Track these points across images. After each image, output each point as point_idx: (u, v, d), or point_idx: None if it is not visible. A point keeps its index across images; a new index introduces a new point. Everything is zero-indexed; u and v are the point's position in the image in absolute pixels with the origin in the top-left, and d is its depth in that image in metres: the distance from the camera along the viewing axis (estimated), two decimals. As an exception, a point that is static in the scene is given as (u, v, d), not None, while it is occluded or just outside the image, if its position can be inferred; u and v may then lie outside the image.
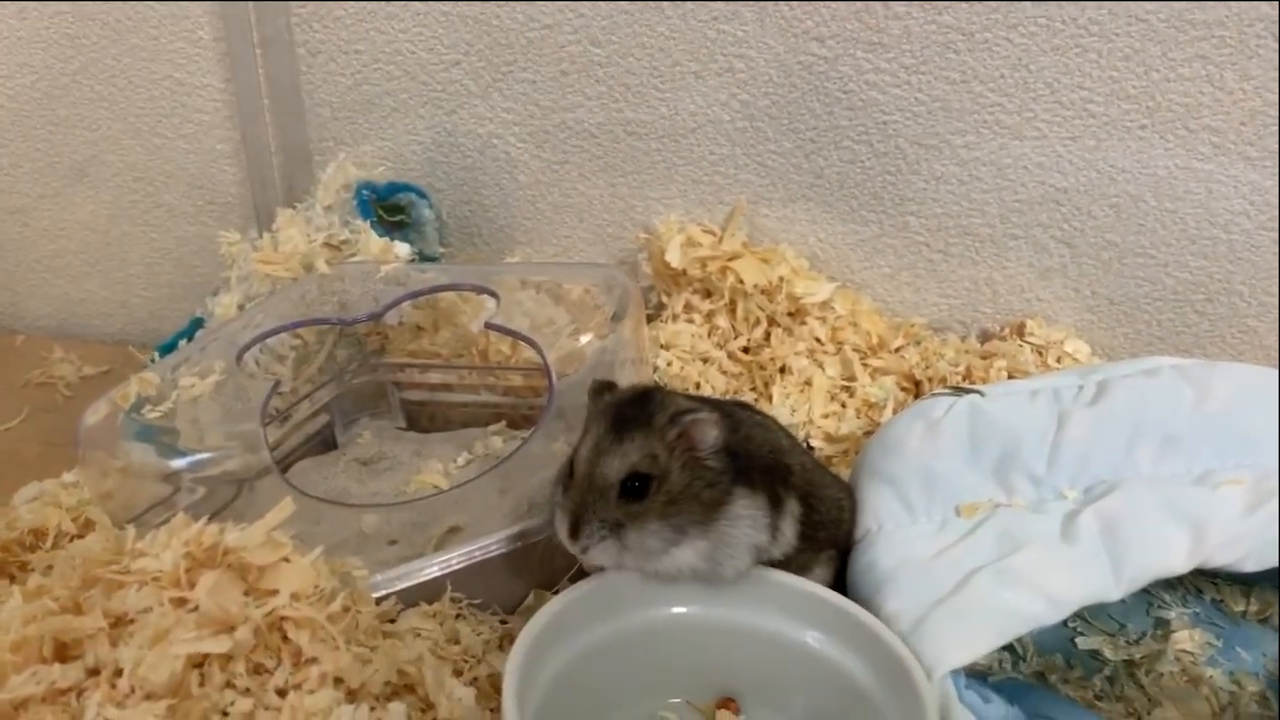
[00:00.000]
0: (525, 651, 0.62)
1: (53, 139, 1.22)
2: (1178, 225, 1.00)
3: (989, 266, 1.06)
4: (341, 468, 0.96)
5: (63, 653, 0.63)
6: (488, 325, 0.85)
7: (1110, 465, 0.72)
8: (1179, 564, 0.67)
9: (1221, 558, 0.67)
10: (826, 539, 0.74)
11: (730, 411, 0.71)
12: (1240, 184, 0.97)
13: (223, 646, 0.61)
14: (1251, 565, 0.67)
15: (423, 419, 1.04)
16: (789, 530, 0.70)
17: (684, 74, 1.04)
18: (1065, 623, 0.77)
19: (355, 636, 0.66)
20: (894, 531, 0.74)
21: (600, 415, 0.67)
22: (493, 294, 0.88)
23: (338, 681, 0.62)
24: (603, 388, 0.70)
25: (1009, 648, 0.76)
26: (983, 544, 0.70)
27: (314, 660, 0.62)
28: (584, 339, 0.83)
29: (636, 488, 0.64)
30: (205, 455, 0.75)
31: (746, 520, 0.66)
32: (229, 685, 0.61)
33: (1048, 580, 0.67)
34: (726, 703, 0.70)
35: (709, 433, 0.65)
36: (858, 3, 0.98)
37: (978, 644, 0.65)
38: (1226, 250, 1.00)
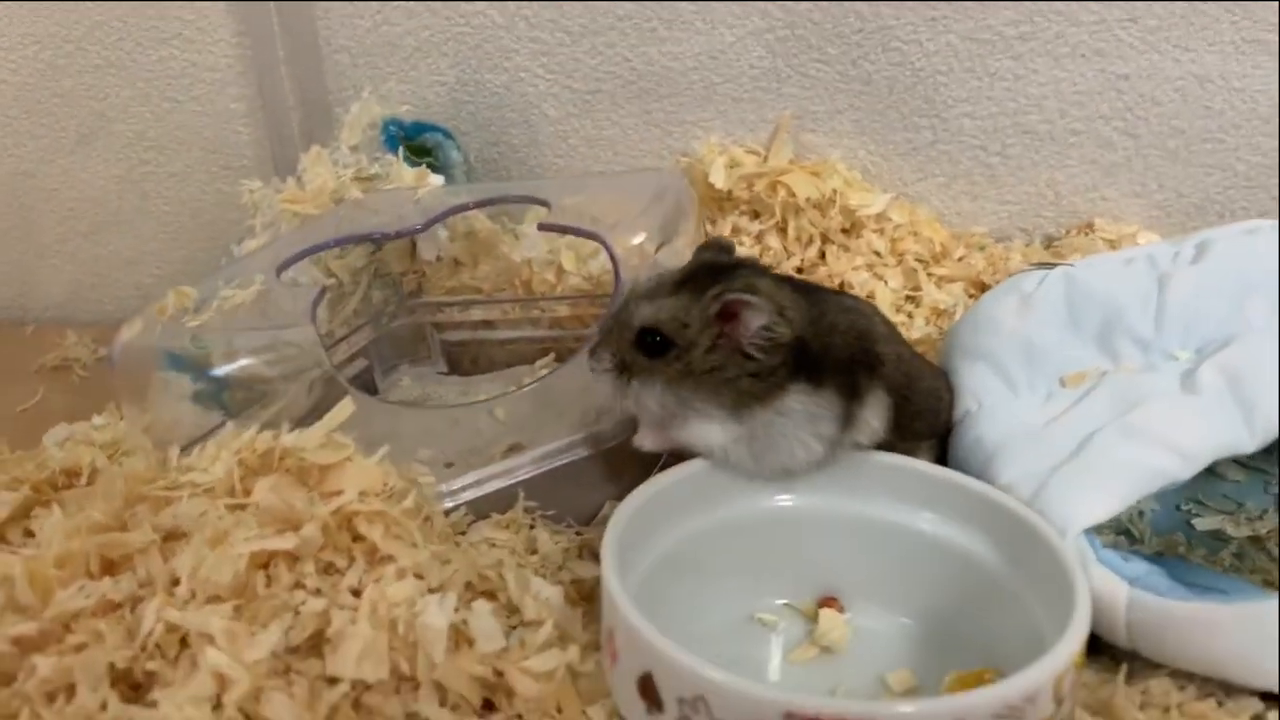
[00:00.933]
0: (623, 526, 0.56)
1: (58, 112, 1.18)
2: (1247, 105, 0.95)
3: (1050, 167, 1.01)
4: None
5: (111, 569, 0.58)
6: (541, 226, 0.79)
7: (1220, 322, 0.68)
8: (1318, 408, 0.62)
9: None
10: (925, 429, 0.70)
11: (820, 299, 0.65)
12: (1312, 54, 0.92)
13: (288, 544, 0.55)
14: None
15: (465, 361, 0.98)
16: (874, 420, 0.64)
17: (718, -17, 1.00)
18: (1178, 507, 0.73)
19: (430, 538, 0.60)
20: (995, 407, 0.69)
21: (686, 265, 0.63)
22: (543, 203, 0.83)
23: (417, 578, 0.56)
24: (714, 244, 0.67)
25: (1125, 532, 0.71)
26: (1097, 407, 0.66)
27: (390, 558, 0.57)
28: (638, 239, 0.77)
29: (654, 344, 0.61)
30: (248, 362, 0.69)
31: (801, 414, 0.61)
32: (298, 585, 0.55)
33: (1175, 433, 0.62)
34: (828, 601, 0.64)
35: (753, 320, 0.59)
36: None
37: (1107, 503, 0.60)
38: (1300, 127, 0.95)
